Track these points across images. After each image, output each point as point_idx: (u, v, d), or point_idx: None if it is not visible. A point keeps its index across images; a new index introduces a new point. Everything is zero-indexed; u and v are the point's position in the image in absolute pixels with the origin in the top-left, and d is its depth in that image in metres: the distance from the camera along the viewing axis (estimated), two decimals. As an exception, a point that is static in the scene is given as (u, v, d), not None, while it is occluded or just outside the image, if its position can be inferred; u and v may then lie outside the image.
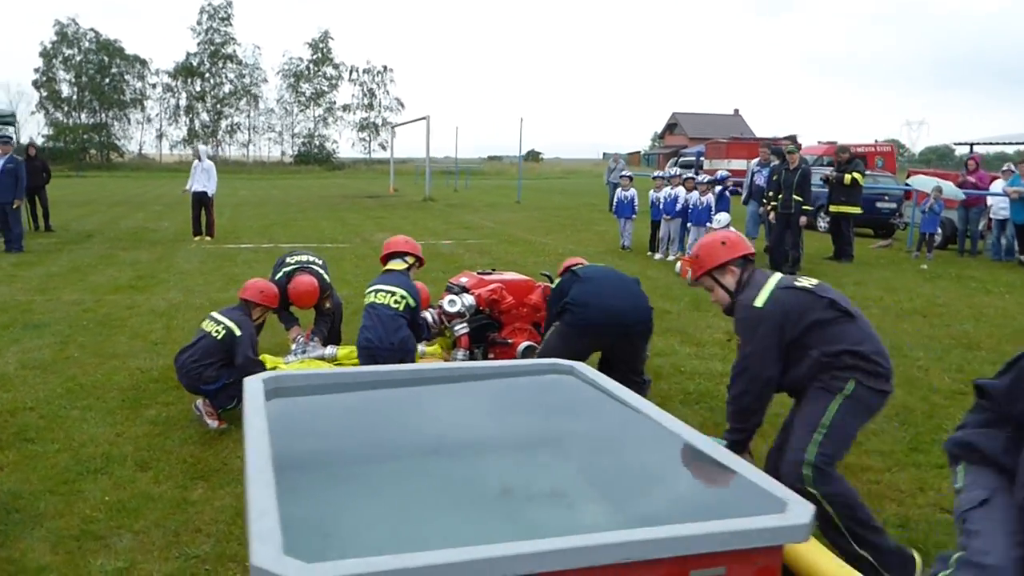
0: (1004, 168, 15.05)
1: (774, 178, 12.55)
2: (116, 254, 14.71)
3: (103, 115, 69.77)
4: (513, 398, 3.33)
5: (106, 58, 68.84)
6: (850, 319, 3.42)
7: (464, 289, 5.52)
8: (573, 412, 3.11)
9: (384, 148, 69.82)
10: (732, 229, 12.16)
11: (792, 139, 13.14)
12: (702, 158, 36.67)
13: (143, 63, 71.14)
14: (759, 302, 3.41)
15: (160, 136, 74.03)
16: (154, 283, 11.56)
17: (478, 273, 5.93)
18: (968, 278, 12.58)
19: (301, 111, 74.85)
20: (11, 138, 15.41)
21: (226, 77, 72.57)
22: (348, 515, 2.23)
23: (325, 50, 73.15)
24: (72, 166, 62.12)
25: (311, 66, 73.46)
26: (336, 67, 73.90)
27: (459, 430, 2.94)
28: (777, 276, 3.59)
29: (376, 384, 3.37)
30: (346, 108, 74.87)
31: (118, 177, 52.30)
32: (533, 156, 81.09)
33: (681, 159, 40.19)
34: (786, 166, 12.17)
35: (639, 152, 66.79)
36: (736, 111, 77.95)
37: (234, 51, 71.88)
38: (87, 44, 68.54)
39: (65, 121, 68.25)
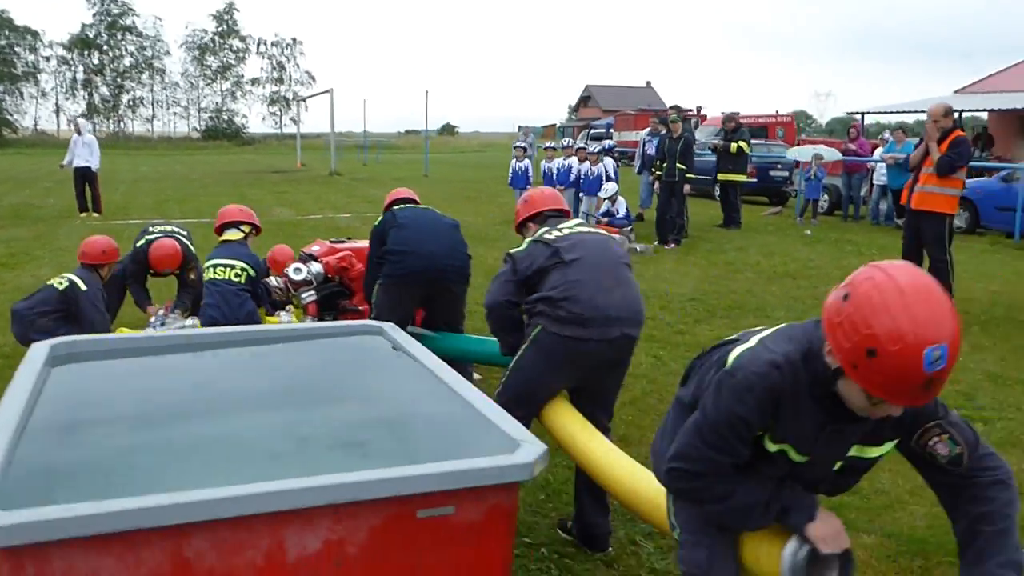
0: (881, 136, 15.69)
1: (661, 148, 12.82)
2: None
3: (-7, 89, 66.32)
4: (319, 358, 3.37)
5: (-4, 30, 65.31)
6: (562, 265, 3.34)
7: (313, 257, 5.50)
8: (368, 370, 3.17)
9: (295, 123, 68.36)
10: (620, 198, 12.39)
11: (675, 108, 13.40)
12: (611, 130, 37.05)
13: (35, 35, 67.63)
14: (517, 248, 3.53)
15: (57, 111, 70.81)
16: (27, 260, 11.14)
17: (331, 242, 5.90)
18: (846, 242, 13.09)
19: (207, 85, 72.50)
20: None
21: (126, 49, 69.65)
22: (102, 471, 2.24)
23: (231, 22, 70.87)
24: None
25: (216, 39, 71.08)
26: (243, 39, 71.72)
27: (252, 389, 2.96)
28: (544, 229, 3.59)
29: (180, 348, 3.34)
30: (255, 82, 72.90)
31: (10, 154, 49.82)
32: (448, 130, 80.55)
33: (592, 131, 40.53)
34: (670, 135, 12.41)
35: (554, 125, 66.92)
36: (648, 83, 78.83)
37: (133, 22, 69.04)
38: (-27, 15, 64.89)
39: (-50, 95, 64.68)
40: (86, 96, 69.93)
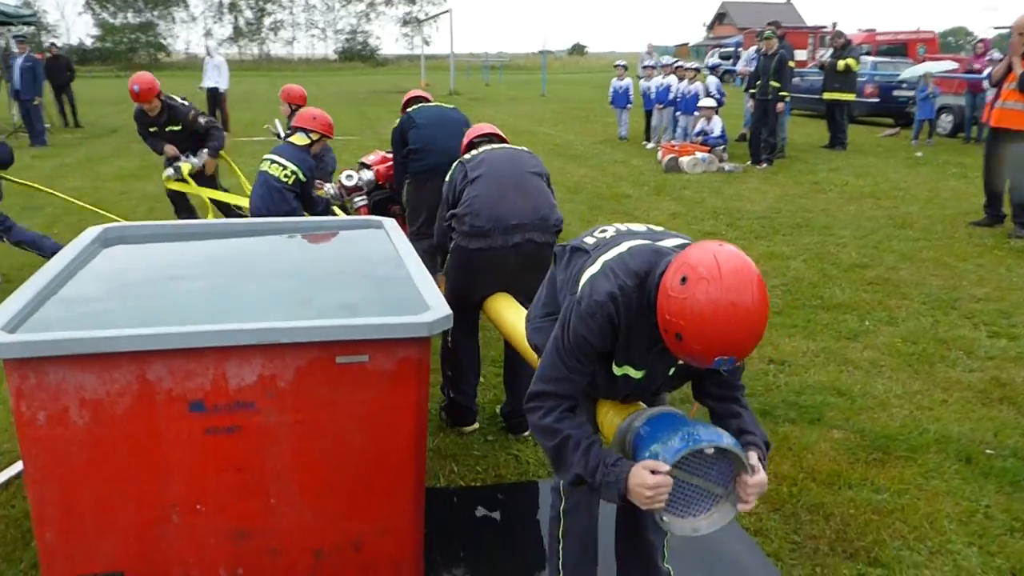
0: (990, 55, 14.70)
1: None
2: (131, 147, 15.39)
3: (148, 14, 70.11)
4: (321, 245, 3.90)
5: (150, -45, 68.75)
6: (468, 184, 3.71)
7: (366, 165, 5.99)
8: (355, 254, 3.66)
9: (427, 44, 69.07)
10: (715, 117, 12.30)
11: (774, 24, 12.93)
12: (740, 48, 35.69)
13: (186, -40, 70.90)
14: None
15: (206, 34, 74.29)
16: (156, 171, 12.23)
17: (386, 152, 6.34)
18: (953, 164, 12.53)
19: (343, 7, 74.25)
20: (25, 37, 16.07)
21: (268, -28, 72.02)
22: (116, 313, 2.82)
23: (366, -57, 71.86)
24: (121, 66, 63.01)
25: (351, -40, 72.37)
26: (377, -39, 72.64)
27: (256, 265, 3.49)
28: (481, 148, 3.93)
29: (210, 235, 3.94)
30: (388, 3, 73.93)
31: (164, 76, 52.72)
32: (578, 50, 79.37)
33: (721, 50, 39.12)
34: (764, 52, 12.13)
35: (687, 44, 64.75)
36: (788, 0, 74.68)
37: (276, -55, 71.04)
38: (131, -59, 68.42)
39: (112, 21, 68.85)
40: (232, 20, 72.94)
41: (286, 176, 5.28)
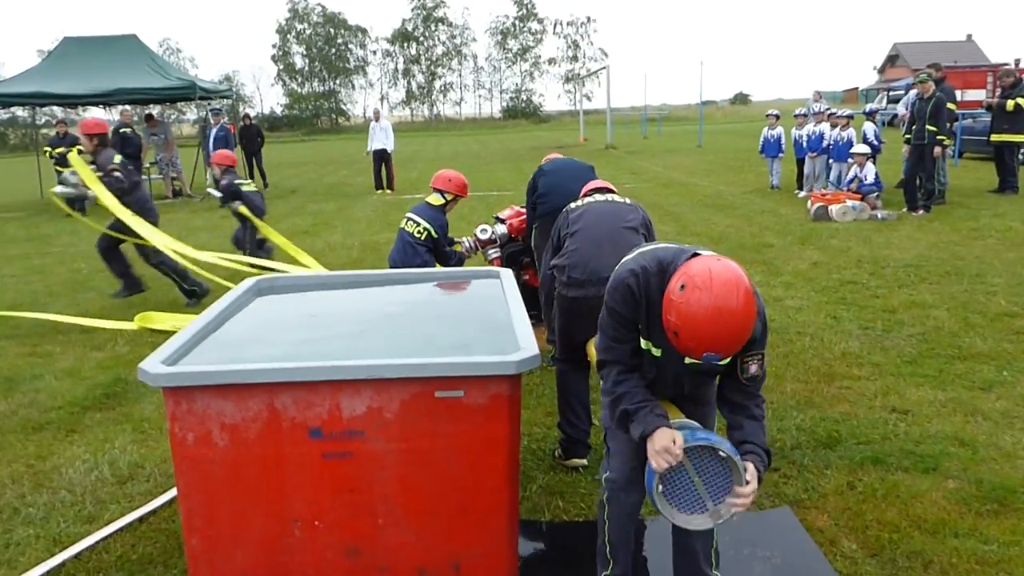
0: None
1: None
2: (306, 206, 16.79)
3: (331, 83, 75.74)
4: (442, 292, 4.27)
5: (332, 30, 74.68)
6: (568, 236, 4.05)
7: (501, 220, 6.36)
8: (470, 299, 4.00)
9: (589, 99, 70.46)
10: (869, 164, 11.98)
11: (933, 66, 12.45)
12: (911, 91, 34.17)
13: (364, 32, 76.44)
14: None
15: (382, 99, 79.30)
16: (325, 229, 13.30)
17: (520, 207, 6.71)
18: None
19: (508, 67, 77.17)
20: (221, 109, 17.93)
21: (438, 39, 76.31)
22: (263, 345, 3.28)
23: (530, 6, 74.70)
24: (306, 131, 68.32)
25: (517, 22, 75.31)
26: (540, 22, 75.39)
27: (383, 309, 3.89)
28: (585, 200, 4.22)
29: (346, 284, 4.39)
30: (551, 61, 76.25)
31: (344, 139, 56.77)
32: (741, 99, 78.40)
33: (891, 92, 37.58)
34: (921, 95, 11.72)
35: (856, 88, 62.54)
36: (969, 36, 70.60)
37: (445, 14, 75.31)
38: (315, 18, 74.64)
39: (299, 90, 74.86)
40: (405, 84, 77.44)
41: (419, 232, 5.78)
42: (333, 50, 75.05)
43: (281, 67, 75.11)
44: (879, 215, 11.37)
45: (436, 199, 6.04)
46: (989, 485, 3.80)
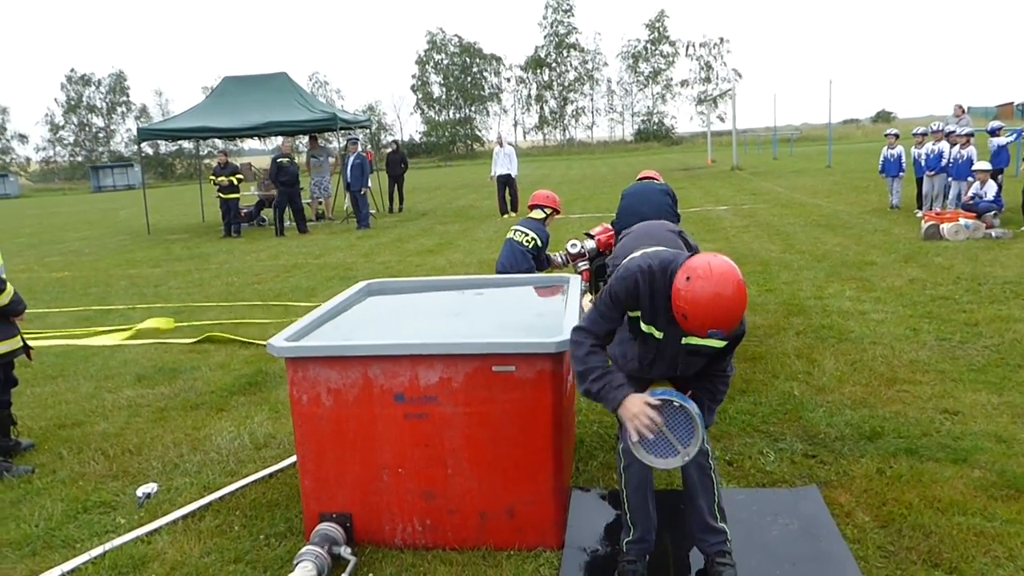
0: None
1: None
2: (435, 227, 17.91)
3: (466, 110, 78.32)
4: (518, 294, 4.98)
5: (468, 59, 77.32)
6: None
7: (590, 236, 7.00)
8: (539, 299, 4.68)
9: (722, 120, 69.73)
10: (990, 181, 11.88)
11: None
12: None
13: (498, 60, 78.68)
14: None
15: (515, 124, 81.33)
16: (448, 248, 14.27)
17: (610, 224, 7.32)
18: None
19: (640, 90, 77.45)
20: (358, 139, 19.40)
21: (570, 65, 77.52)
22: (366, 329, 4.09)
23: (661, 28, 74.87)
24: (442, 157, 70.92)
25: (648, 46, 75.60)
26: (672, 44, 75.27)
27: (471, 304, 4.65)
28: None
29: (445, 287, 5.17)
30: (683, 83, 76.00)
31: (477, 164, 58.62)
32: (884, 117, 75.52)
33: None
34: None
35: (1011, 103, 59.11)
36: None
37: (577, 40, 76.49)
38: (452, 49, 77.51)
39: (436, 118, 77.81)
40: (538, 110, 79.05)
41: (527, 241, 6.54)
42: (469, 78, 77.65)
43: (420, 96, 78.34)
44: (993, 233, 11.25)
45: (538, 214, 6.81)
46: (1011, 475, 4.12)
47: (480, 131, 79.17)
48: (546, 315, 4.21)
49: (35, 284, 13.01)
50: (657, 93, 76.40)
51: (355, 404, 3.62)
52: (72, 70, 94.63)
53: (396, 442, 3.64)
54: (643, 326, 3.21)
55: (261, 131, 20.64)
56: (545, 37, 76.74)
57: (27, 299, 10.02)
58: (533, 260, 6.59)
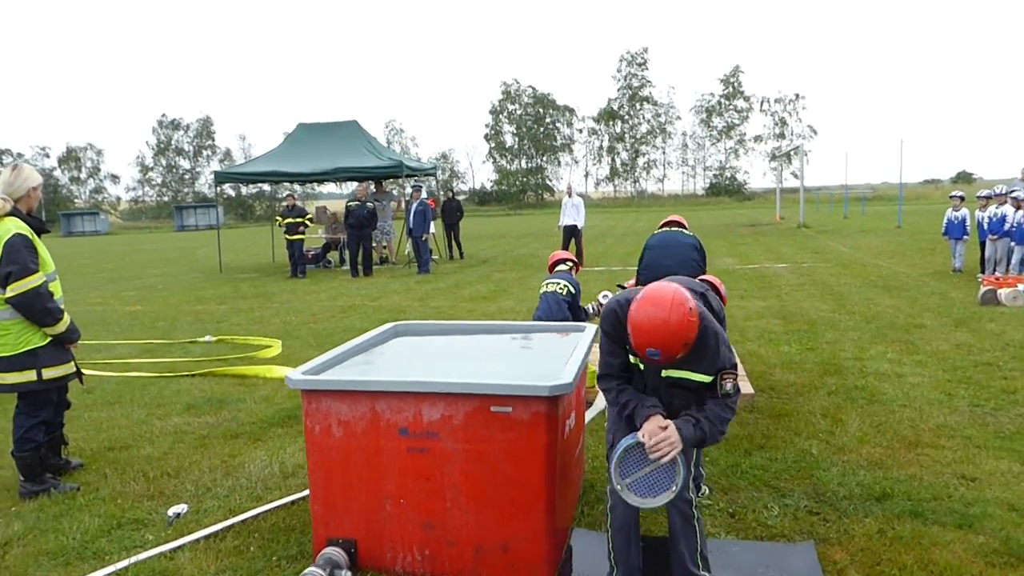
0: None
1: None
2: (492, 274, 18.24)
3: (538, 160, 79.37)
4: (536, 338, 5.17)
5: (541, 110, 78.60)
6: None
7: (622, 287, 7.18)
8: (551, 345, 4.85)
9: (796, 176, 69.02)
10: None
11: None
12: None
13: (571, 111, 79.76)
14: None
15: (586, 175, 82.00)
16: (502, 295, 14.54)
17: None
18: None
19: (712, 144, 77.39)
20: (421, 186, 20.00)
21: (643, 117, 78.01)
22: (383, 366, 4.33)
23: (736, 84, 74.92)
24: (512, 206, 71.90)
25: (722, 100, 75.69)
26: (747, 99, 75.19)
27: (487, 348, 4.86)
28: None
29: (468, 331, 5.41)
30: (757, 139, 75.64)
31: (546, 214, 59.26)
32: (964, 177, 73.76)
33: None
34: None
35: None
36: None
37: (650, 93, 77.06)
38: (526, 99, 78.94)
39: (508, 167, 79.02)
40: (609, 161, 79.59)
41: (561, 289, 6.78)
42: (541, 129, 78.86)
43: (492, 145, 79.80)
44: (1052, 300, 11.00)
45: (563, 267, 7.06)
46: (1016, 543, 4.10)
47: (551, 180, 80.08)
48: (555, 360, 4.38)
49: (108, 316, 13.75)
50: (730, 148, 76.30)
51: (363, 436, 3.86)
52: (163, 115, 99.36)
53: (399, 474, 3.86)
54: (631, 359, 3.40)
55: (330, 176, 21.42)
56: (619, 90, 77.62)
57: (99, 330, 10.65)
58: (568, 309, 6.80)
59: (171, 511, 4.73)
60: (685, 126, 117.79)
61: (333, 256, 22.42)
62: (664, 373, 3.30)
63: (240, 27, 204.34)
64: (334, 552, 3.87)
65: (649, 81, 77.08)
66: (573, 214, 20.29)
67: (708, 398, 3.32)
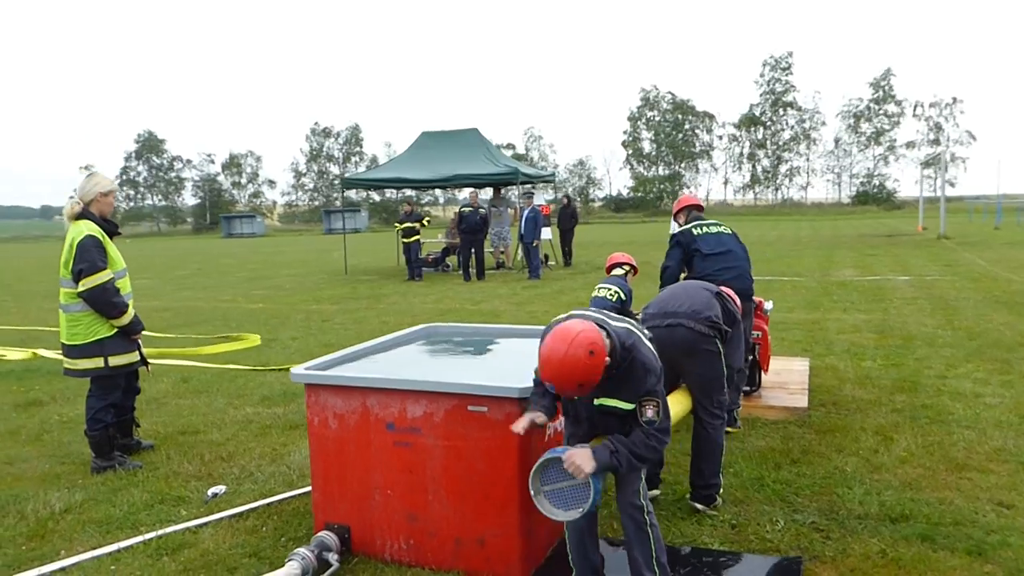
0: None
1: None
2: (595, 282, 18.26)
3: (676, 166, 78.31)
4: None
5: (680, 116, 77.56)
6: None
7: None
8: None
9: (952, 185, 65.01)
10: None
11: None
12: None
13: (711, 118, 78.27)
14: None
15: (725, 183, 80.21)
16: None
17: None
18: None
19: (860, 151, 73.93)
20: (533, 193, 20.28)
21: (786, 123, 75.55)
22: (386, 363, 4.59)
23: (887, 88, 71.28)
24: (648, 212, 71.23)
25: (872, 105, 72.18)
26: (898, 104, 71.36)
27: (496, 351, 5.04)
28: None
29: (491, 334, 5.59)
30: (909, 145, 71.61)
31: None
32: None
33: None
34: None
35: None
36: None
37: (794, 98, 74.49)
38: (664, 105, 78.10)
39: (645, 173, 78.37)
40: (750, 168, 77.54)
41: (611, 295, 6.84)
42: (680, 135, 77.79)
43: (630, 151, 79.36)
44: None
45: (618, 271, 7.11)
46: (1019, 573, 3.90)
47: (688, 188, 78.73)
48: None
49: (230, 313, 14.77)
50: (879, 154, 72.61)
51: (355, 429, 4.13)
52: (316, 123, 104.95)
53: (386, 466, 4.10)
54: None
55: (448, 183, 22.09)
56: (761, 95, 75.58)
57: (218, 326, 11.57)
58: (619, 312, 6.85)
59: (210, 491, 5.16)
60: (830, 132, 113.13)
61: (452, 260, 23.06)
62: (596, 401, 3.39)
63: (386, 38, 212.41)
64: (326, 536, 4.15)
65: (793, 86, 74.66)
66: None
67: (635, 427, 3.38)
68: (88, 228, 5.42)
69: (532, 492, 3.43)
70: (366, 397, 4.08)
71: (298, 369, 4.27)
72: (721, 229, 6.50)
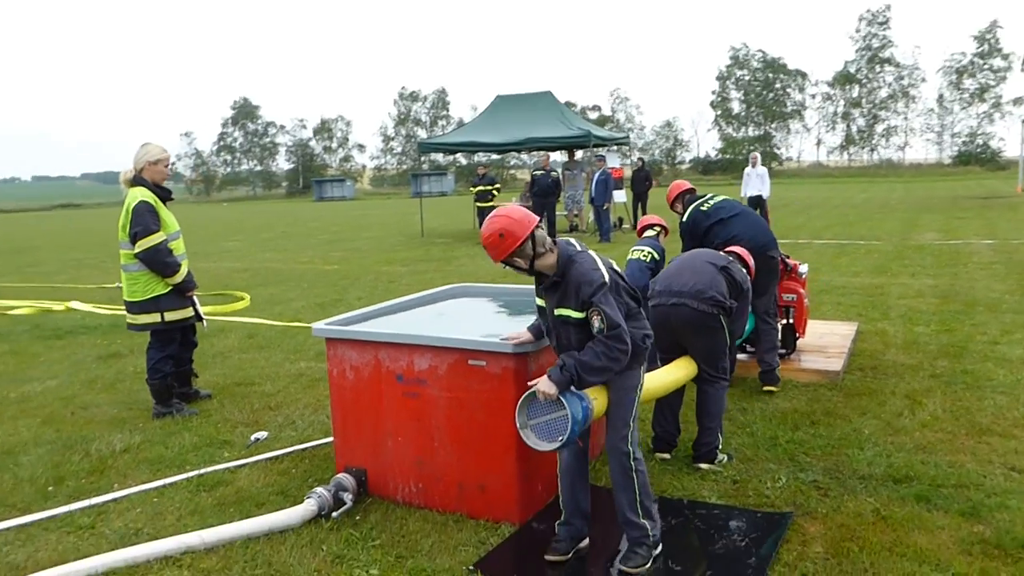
0: None
1: None
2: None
3: (766, 127, 76.15)
4: None
5: (770, 75, 75.16)
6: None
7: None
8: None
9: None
10: None
11: None
12: None
13: (803, 76, 75.54)
14: None
15: (818, 143, 77.72)
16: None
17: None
18: None
19: (963, 108, 70.28)
20: (604, 156, 20.26)
21: (883, 80, 72.39)
22: (407, 323, 4.88)
23: (993, 41, 67.32)
24: (736, 176, 69.65)
25: (976, 60, 68.40)
26: (1005, 57, 67.31)
27: (511, 310, 5.27)
28: None
29: (516, 294, 5.82)
30: (1016, 102, 67.65)
31: (775, 183, 57.01)
32: None
33: None
34: None
35: None
36: None
37: (891, 54, 71.26)
38: (755, 64, 75.82)
39: (734, 135, 76.49)
40: (844, 128, 74.79)
41: (644, 256, 6.97)
42: (771, 94, 75.49)
43: (719, 112, 77.52)
44: None
45: (651, 232, 7.20)
46: (1011, 537, 3.88)
47: (779, 149, 76.61)
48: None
49: (306, 274, 15.41)
50: (983, 112, 68.89)
51: (369, 380, 4.44)
52: (403, 87, 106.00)
53: (396, 415, 4.41)
54: (538, 300, 3.81)
55: (522, 146, 22.24)
56: (856, 51, 72.47)
57: (291, 286, 12.19)
58: (651, 275, 6.97)
59: (253, 436, 5.59)
60: (931, 90, 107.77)
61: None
62: (555, 311, 3.61)
63: (473, 1, 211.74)
64: (344, 478, 4.50)
65: (891, 41, 71.18)
66: (758, 184, 19.88)
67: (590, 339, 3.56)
68: (142, 194, 5.87)
69: (518, 425, 3.65)
70: (378, 351, 4.38)
71: (319, 324, 4.60)
72: (723, 197, 6.61)
